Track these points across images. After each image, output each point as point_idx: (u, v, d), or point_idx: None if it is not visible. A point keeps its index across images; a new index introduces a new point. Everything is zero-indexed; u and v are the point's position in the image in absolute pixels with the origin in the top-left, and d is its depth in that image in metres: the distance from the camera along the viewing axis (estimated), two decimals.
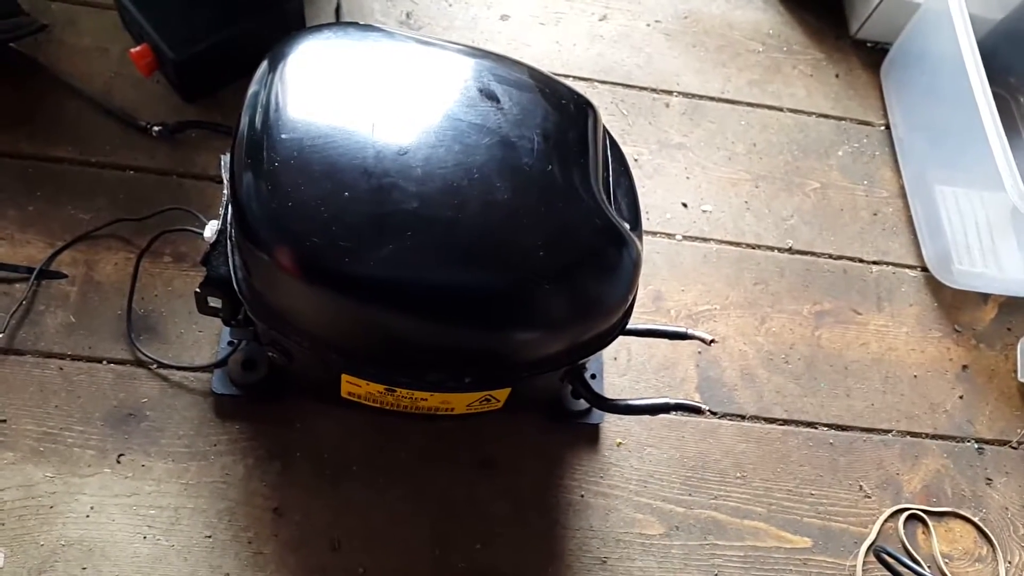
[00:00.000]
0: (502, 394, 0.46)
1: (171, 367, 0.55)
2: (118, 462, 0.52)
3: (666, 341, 0.62)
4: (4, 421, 0.52)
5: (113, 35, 0.67)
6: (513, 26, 0.76)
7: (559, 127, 0.43)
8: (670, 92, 0.75)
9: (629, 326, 0.48)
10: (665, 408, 0.48)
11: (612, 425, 0.59)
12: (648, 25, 0.79)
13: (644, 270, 0.65)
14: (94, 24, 0.68)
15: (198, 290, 0.45)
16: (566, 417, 0.57)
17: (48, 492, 0.51)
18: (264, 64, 0.41)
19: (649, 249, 0.66)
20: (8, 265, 0.57)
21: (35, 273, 0.56)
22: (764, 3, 0.83)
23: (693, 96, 0.76)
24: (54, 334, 0.55)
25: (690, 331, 0.50)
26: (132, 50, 0.63)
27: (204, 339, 0.57)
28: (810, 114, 0.78)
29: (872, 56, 0.82)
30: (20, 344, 0.55)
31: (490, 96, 0.43)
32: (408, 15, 0.74)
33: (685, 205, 0.70)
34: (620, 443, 0.59)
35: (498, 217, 0.40)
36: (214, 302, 0.46)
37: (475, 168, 0.40)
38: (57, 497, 0.51)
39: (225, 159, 0.48)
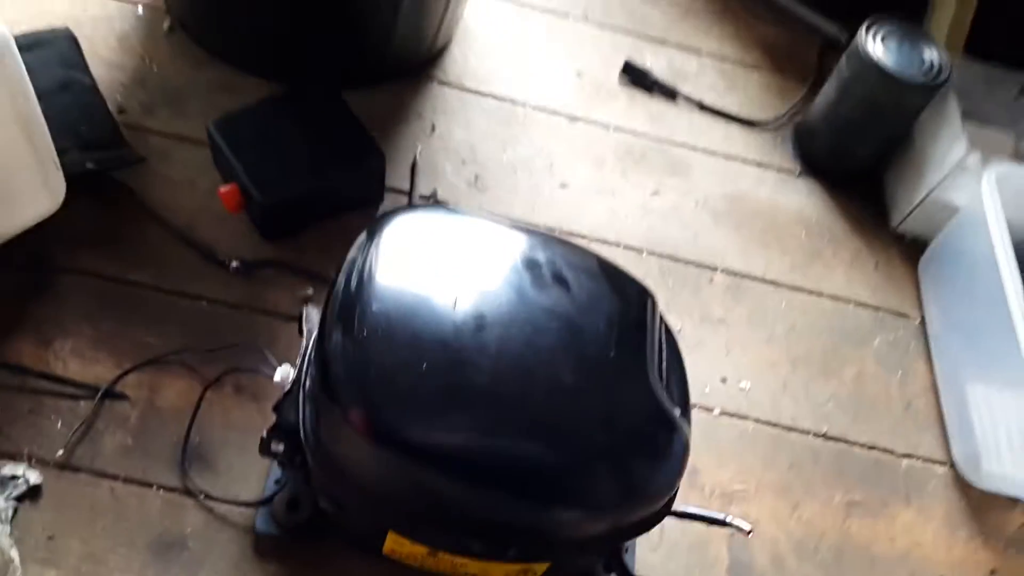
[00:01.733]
0: (541, 567, 0.47)
1: (218, 500, 0.57)
2: None
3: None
4: (51, 538, 0.54)
5: (203, 171, 0.72)
6: (572, 194, 0.81)
7: (622, 314, 0.46)
8: (714, 268, 0.79)
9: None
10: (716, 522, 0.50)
11: None
12: (697, 203, 0.83)
13: None
14: (187, 158, 0.73)
15: (264, 435, 0.47)
16: None
17: None
18: (363, 235, 0.45)
19: None
20: (76, 382, 0.60)
21: (100, 393, 0.59)
22: (809, 190, 0.87)
23: (736, 274, 0.79)
24: (111, 455, 0.58)
25: (729, 519, 0.51)
26: (221, 188, 0.68)
27: (253, 474, 0.58)
28: (848, 301, 0.80)
29: (910, 250, 0.85)
30: (77, 461, 0.57)
31: (560, 281, 0.46)
32: (476, 178, 0.78)
33: (724, 380, 0.72)
34: None
35: (560, 399, 0.42)
36: (276, 447, 0.48)
37: (543, 350, 0.42)
38: None
39: (308, 310, 0.51)
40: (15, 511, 0.53)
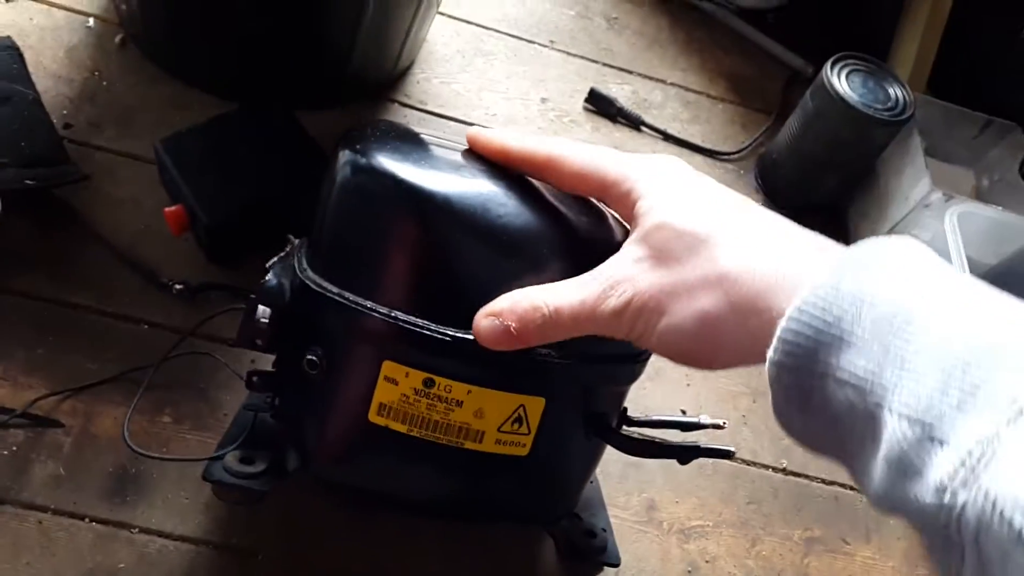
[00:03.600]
0: (534, 414, 0.45)
1: (154, 532, 0.54)
2: None
3: (657, 558, 0.61)
4: None
5: (150, 190, 0.70)
6: None
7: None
8: None
9: (640, 417, 0.52)
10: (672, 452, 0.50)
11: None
12: None
13: (639, 477, 0.65)
14: (133, 177, 0.71)
15: (252, 296, 0.46)
16: (587, 555, 0.56)
17: None
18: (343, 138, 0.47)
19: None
20: (5, 408, 0.56)
21: (31, 420, 0.56)
22: None
23: None
24: (40, 485, 0.55)
25: (702, 419, 0.54)
26: (167, 208, 0.65)
27: (190, 507, 0.56)
28: None
29: None
30: (2, 492, 0.54)
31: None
32: None
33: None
34: None
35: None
36: (263, 317, 0.46)
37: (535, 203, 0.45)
38: None
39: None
40: None
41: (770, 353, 0.30)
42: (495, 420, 0.45)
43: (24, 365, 0.59)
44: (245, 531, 0.56)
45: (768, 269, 0.32)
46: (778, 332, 0.30)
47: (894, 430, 0.26)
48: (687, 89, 0.96)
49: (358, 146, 0.45)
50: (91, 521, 0.54)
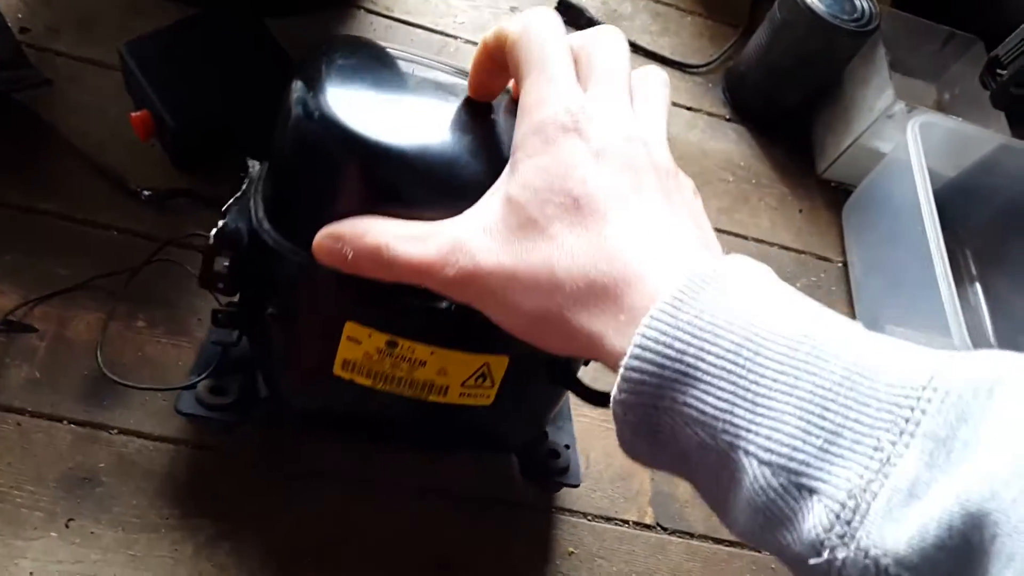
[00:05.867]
0: (498, 371, 0.46)
1: (132, 432, 0.55)
2: (66, 527, 0.51)
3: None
4: None
5: (114, 96, 0.69)
6: None
7: None
8: None
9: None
10: None
11: (565, 532, 0.60)
12: None
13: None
14: (96, 83, 0.69)
15: (211, 241, 0.45)
16: (548, 476, 0.58)
17: None
18: (299, 65, 0.44)
19: None
20: None
21: (5, 325, 0.56)
22: (738, 136, 0.88)
23: None
24: (17, 388, 0.55)
25: None
26: (133, 114, 0.64)
27: (167, 408, 0.56)
28: (772, 244, 0.82)
29: (835, 196, 0.87)
30: None
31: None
32: None
33: None
34: (572, 552, 0.59)
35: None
36: (221, 266, 0.46)
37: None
38: None
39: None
40: None
41: (614, 392, 0.28)
42: (459, 377, 0.46)
43: None
44: (224, 432, 0.57)
45: (608, 283, 0.29)
46: (621, 371, 0.28)
47: (755, 476, 0.25)
48: (657, 1, 0.95)
49: (313, 80, 0.41)
50: (69, 423, 0.55)
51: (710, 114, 0.88)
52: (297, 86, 0.41)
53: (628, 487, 0.63)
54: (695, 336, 0.27)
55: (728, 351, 0.26)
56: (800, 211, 0.85)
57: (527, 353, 0.45)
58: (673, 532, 0.63)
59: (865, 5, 0.83)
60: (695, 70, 0.91)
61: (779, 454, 0.25)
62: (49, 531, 0.51)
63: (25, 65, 0.67)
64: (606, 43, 0.36)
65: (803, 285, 0.80)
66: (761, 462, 0.25)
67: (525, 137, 0.34)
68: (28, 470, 0.53)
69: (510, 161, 0.35)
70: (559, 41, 0.36)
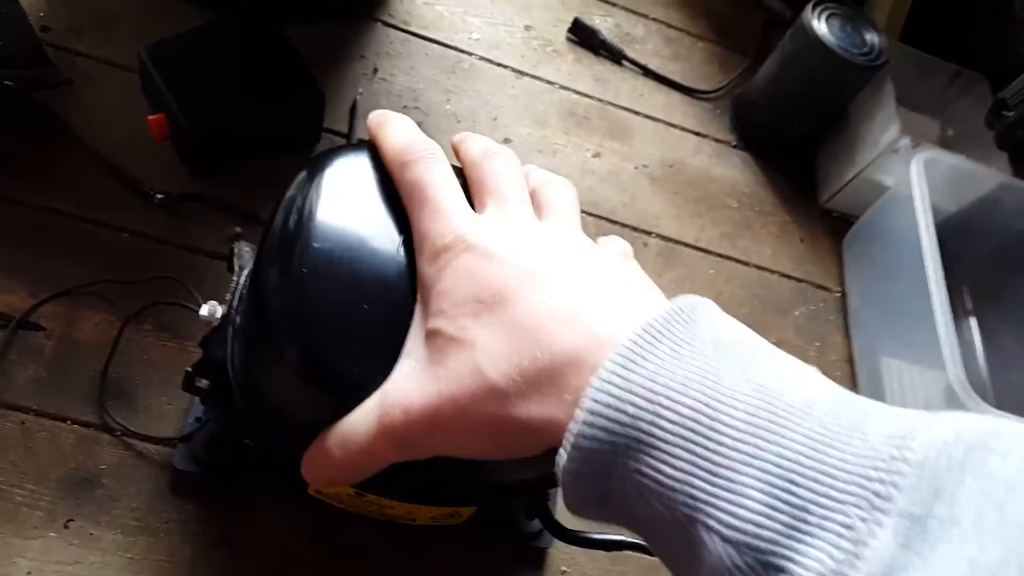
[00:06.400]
0: (467, 511, 0.48)
1: (135, 436, 0.55)
2: (66, 527, 0.52)
3: None
4: None
5: (130, 98, 0.69)
6: (514, 150, 0.78)
7: None
8: (649, 233, 0.80)
9: None
10: (620, 545, 0.50)
11: (560, 551, 0.60)
12: (636, 168, 0.84)
13: None
14: (114, 84, 0.70)
15: (189, 369, 0.46)
16: (518, 539, 0.58)
17: None
18: (303, 174, 0.43)
19: None
20: None
21: (13, 323, 0.57)
22: (743, 162, 0.89)
23: (669, 240, 0.80)
24: (22, 386, 0.55)
25: None
26: (150, 116, 0.65)
27: (172, 412, 0.57)
28: (773, 272, 0.83)
29: (836, 226, 0.88)
30: None
31: None
32: (419, 125, 0.77)
33: None
34: (565, 571, 0.60)
35: None
36: (201, 383, 0.47)
37: None
38: None
39: (240, 246, 0.50)
40: None
41: (563, 461, 0.27)
42: (428, 514, 0.48)
43: (4, 269, 0.59)
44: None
45: (542, 365, 0.28)
46: (569, 439, 0.26)
47: (720, 555, 0.24)
48: (669, 25, 0.96)
49: (286, 248, 0.39)
50: (73, 423, 0.55)
51: (717, 140, 0.89)
52: (269, 249, 0.40)
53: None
54: (650, 401, 0.25)
55: (685, 417, 0.25)
56: (802, 240, 0.86)
57: (496, 501, 0.46)
58: None
59: (875, 40, 0.84)
60: (704, 96, 0.92)
61: (743, 532, 0.23)
62: (48, 531, 0.52)
63: (46, 64, 0.68)
64: (494, 167, 0.39)
65: (801, 313, 0.81)
66: (724, 539, 0.24)
67: (423, 272, 0.34)
68: (30, 469, 0.53)
69: (417, 300, 0.34)
70: (440, 170, 0.37)
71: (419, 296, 0.34)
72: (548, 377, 0.28)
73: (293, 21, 0.75)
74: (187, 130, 0.64)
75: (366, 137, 0.44)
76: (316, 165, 0.43)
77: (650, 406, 0.25)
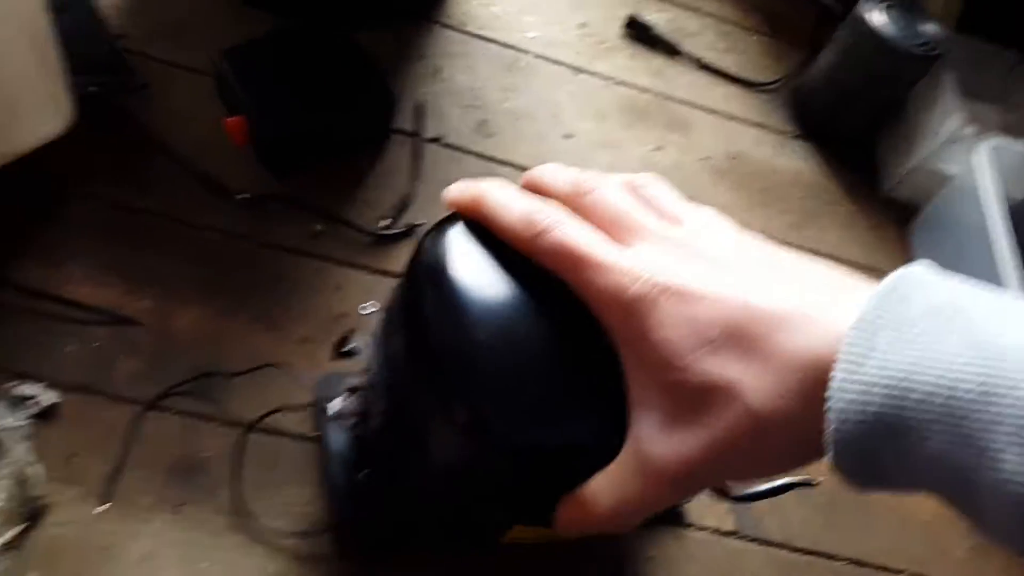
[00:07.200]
0: None
1: (236, 424, 0.56)
2: (177, 511, 0.53)
3: None
4: (70, 458, 0.53)
5: (205, 102, 0.71)
6: (576, 145, 0.81)
7: None
8: None
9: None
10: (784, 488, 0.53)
11: (646, 538, 0.61)
12: (699, 160, 0.84)
13: None
14: (189, 88, 0.72)
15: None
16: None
17: (106, 532, 0.51)
18: (416, 262, 0.41)
19: None
20: (87, 306, 0.58)
21: (113, 318, 0.58)
22: (805, 153, 0.89)
23: None
24: (126, 379, 0.57)
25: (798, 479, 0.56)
26: (228, 119, 0.66)
27: (270, 404, 0.58)
28: (842, 261, 0.82)
29: (901, 214, 0.88)
30: (92, 384, 0.56)
31: None
32: (482, 123, 0.78)
33: None
34: (651, 556, 0.60)
35: None
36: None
37: None
38: (115, 538, 0.51)
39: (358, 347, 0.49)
40: (33, 430, 0.52)
41: (829, 458, 0.29)
42: None
43: (100, 266, 0.60)
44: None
45: (807, 381, 0.29)
46: (828, 446, 0.28)
47: (998, 506, 0.25)
48: (723, 20, 0.97)
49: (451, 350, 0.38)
50: (175, 413, 0.56)
51: (777, 131, 0.90)
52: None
53: (707, 494, 0.64)
54: (887, 395, 0.26)
55: (924, 400, 0.26)
56: (868, 229, 0.86)
57: None
58: (752, 540, 0.63)
59: (931, 30, 0.84)
60: (762, 88, 0.92)
61: (1010, 492, 0.24)
62: (161, 514, 0.53)
63: (125, 69, 0.69)
64: (606, 198, 0.38)
65: None
66: (996, 497, 0.25)
67: (617, 328, 0.33)
68: (139, 457, 0.54)
69: (623, 358, 0.34)
70: (574, 227, 0.36)
71: (623, 352, 0.34)
72: (802, 394, 0.29)
73: (361, 26, 0.76)
74: (265, 133, 0.66)
75: (433, 136, 0.43)
76: (430, 256, 0.40)
77: (888, 400, 0.26)
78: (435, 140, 0.76)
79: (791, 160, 0.88)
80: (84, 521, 0.51)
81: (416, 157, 0.74)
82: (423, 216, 0.70)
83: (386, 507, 0.52)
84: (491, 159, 0.77)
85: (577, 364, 0.37)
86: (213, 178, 0.67)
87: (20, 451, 0.50)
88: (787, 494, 0.65)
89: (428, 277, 0.40)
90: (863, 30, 0.83)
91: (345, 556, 0.54)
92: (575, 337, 0.37)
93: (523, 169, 0.77)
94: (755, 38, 0.97)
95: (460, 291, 0.38)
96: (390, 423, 0.44)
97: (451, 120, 0.78)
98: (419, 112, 0.77)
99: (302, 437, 0.58)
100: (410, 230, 0.69)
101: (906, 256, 0.85)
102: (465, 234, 0.41)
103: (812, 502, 0.67)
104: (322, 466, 0.56)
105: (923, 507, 0.69)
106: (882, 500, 0.69)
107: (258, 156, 0.69)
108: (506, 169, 0.77)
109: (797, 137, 0.90)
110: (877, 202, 0.88)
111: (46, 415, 0.53)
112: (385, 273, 0.67)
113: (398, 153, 0.74)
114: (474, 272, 0.39)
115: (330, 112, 0.69)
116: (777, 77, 0.93)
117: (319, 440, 0.57)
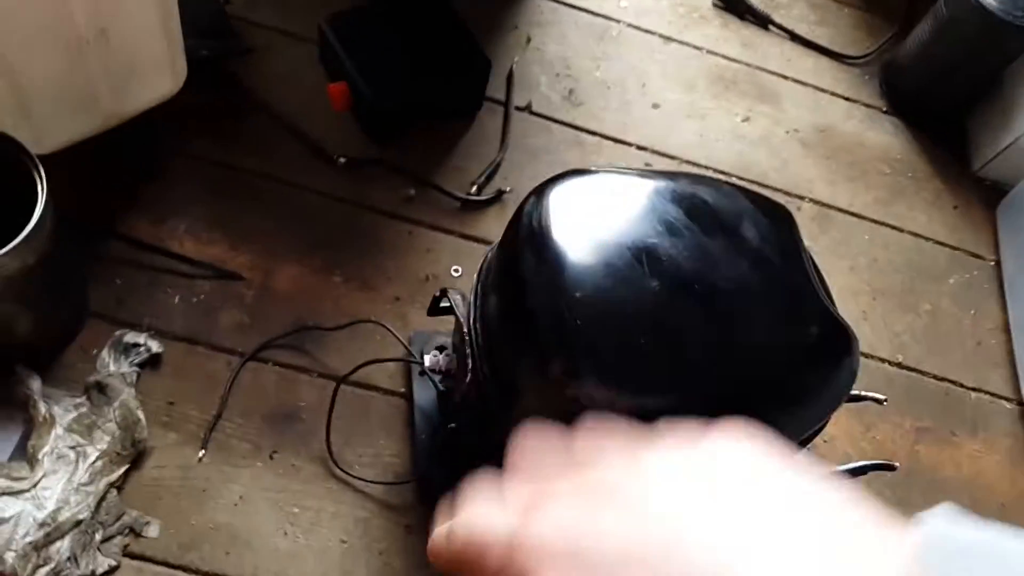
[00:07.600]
0: None
1: (329, 377, 0.59)
2: (271, 458, 0.56)
3: None
4: (172, 404, 0.57)
5: (308, 67, 0.73)
6: (663, 115, 0.81)
7: (777, 237, 0.46)
8: (802, 197, 0.80)
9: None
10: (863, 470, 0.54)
11: None
12: (787, 132, 0.84)
13: None
14: (292, 53, 0.74)
15: (437, 294, 0.50)
16: None
17: (203, 476, 0.55)
18: (516, 226, 0.44)
19: None
20: (193, 260, 0.62)
21: (217, 272, 0.62)
22: (895, 128, 0.88)
23: (823, 204, 0.80)
24: (227, 330, 0.60)
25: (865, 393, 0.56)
26: (331, 84, 0.69)
27: (362, 357, 0.60)
28: (928, 239, 0.81)
29: (989, 194, 0.86)
30: (195, 334, 0.59)
31: (719, 219, 0.45)
32: (571, 92, 0.79)
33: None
34: None
35: (753, 331, 0.43)
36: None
37: (735, 293, 0.43)
38: (211, 482, 0.55)
39: (453, 297, 0.51)
40: (138, 376, 0.56)
41: None
42: None
43: (205, 222, 0.64)
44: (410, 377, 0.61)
45: None
46: None
47: None
48: None
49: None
50: (274, 364, 0.60)
51: (867, 105, 0.88)
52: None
53: None
54: None
55: None
56: (955, 207, 0.84)
57: None
58: None
59: None
60: (853, 61, 0.91)
61: None
62: (256, 461, 0.56)
63: (231, 34, 0.72)
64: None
65: (956, 281, 0.80)
66: None
67: None
68: (237, 404, 0.58)
69: None
70: None
71: None
72: None
73: None
74: (368, 98, 0.68)
75: (522, 104, 0.42)
76: (530, 220, 0.43)
77: None
78: (524, 108, 0.78)
79: (880, 135, 0.87)
80: (183, 465, 0.55)
81: (506, 125, 0.76)
82: (510, 183, 0.72)
83: (468, 461, 0.54)
84: (579, 128, 0.78)
85: (669, 330, 0.39)
86: (314, 141, 0.69)
87: (127, 396, 0.54)
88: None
89: (527, 240, 0.42)
90: (966, 3, 0.81)
91: (428, 505, 0.57)
92: (671, 302, 0.39)
93: (609, 139, 0.78)
94: (847, 11, 0.95)
95: (558, 254, 0.40)
96: (481, 379, 0.46)
97: (541, 88, 0.79)
98: (510, 80, 0.79)
99: (391, 392, 0.60)
100: (498, 196, 0.71)
101: (993, 236, 0.83)
102: (563, 200, 0.43)
103: (886, 479, 0.67)
104: (409, 420, 0.59)
105: (997, 489, 0.69)
106: (955, 479, 0.69)
107: (359, 121, 0.71)
108: (593, 139, 0.78)
109: (887, 112, 0.88)
110: (966, 181, 0.86)
111: (151, 363, 0.57)
112: (473, 238, 0.69)
113: (489, 120, 0.76)
114: (572, 236, 0.41)
115: (430, 80, 0.71)
116: (869, 50, 0.91)
117: (407, 395, 0.60)
